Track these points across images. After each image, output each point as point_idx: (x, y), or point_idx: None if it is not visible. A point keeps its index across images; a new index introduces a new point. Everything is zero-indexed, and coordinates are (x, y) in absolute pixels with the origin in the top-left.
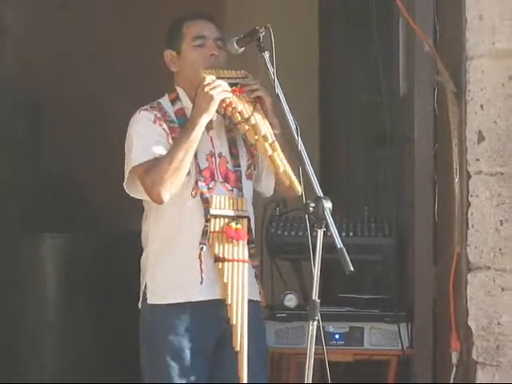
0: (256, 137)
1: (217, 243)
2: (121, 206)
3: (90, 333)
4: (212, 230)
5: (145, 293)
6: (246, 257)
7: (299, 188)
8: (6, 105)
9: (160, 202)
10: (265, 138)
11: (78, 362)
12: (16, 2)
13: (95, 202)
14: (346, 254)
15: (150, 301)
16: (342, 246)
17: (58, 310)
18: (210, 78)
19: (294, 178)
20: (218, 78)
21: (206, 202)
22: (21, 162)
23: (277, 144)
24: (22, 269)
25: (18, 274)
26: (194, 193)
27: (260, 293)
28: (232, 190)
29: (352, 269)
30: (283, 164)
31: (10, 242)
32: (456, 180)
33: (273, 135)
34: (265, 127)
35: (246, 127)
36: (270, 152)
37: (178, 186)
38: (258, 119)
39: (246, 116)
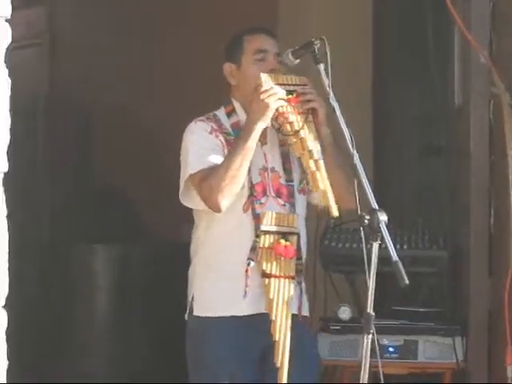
0: (302, 151)
1: (265, 259)
2: (172, 216)
3: (142, 343)
4: (261, 245)
5: (191, 304)
6: (293, 273)
7: (336, 212)
8: (58, 115)
9: (218, 210)
10: (311, 153)
11: (129, 372)
12: (69, 12)
13: (146, 213)
14: (401, 267)
15: (196, 313)
16: (397, 259)
17: (110, 321)
18: (267, 85)
19: (331, 201)
20: (276, 84)
21: (256, 218)
22: (72, 174)
23: (321, 162)
24: (74, 279)
25: (70, 285)
26: (245, 207)
27: (299, 308)
28: (284, 205)
29: (407, 282)
30: (324, 184)
31: (63, 254)
32: None
33: (319, 152)
34: (312, 143)
35: (294, 140)
36: (313, 169)
37: (235, 194)
38: (308, 133)
39: (297, 128)
